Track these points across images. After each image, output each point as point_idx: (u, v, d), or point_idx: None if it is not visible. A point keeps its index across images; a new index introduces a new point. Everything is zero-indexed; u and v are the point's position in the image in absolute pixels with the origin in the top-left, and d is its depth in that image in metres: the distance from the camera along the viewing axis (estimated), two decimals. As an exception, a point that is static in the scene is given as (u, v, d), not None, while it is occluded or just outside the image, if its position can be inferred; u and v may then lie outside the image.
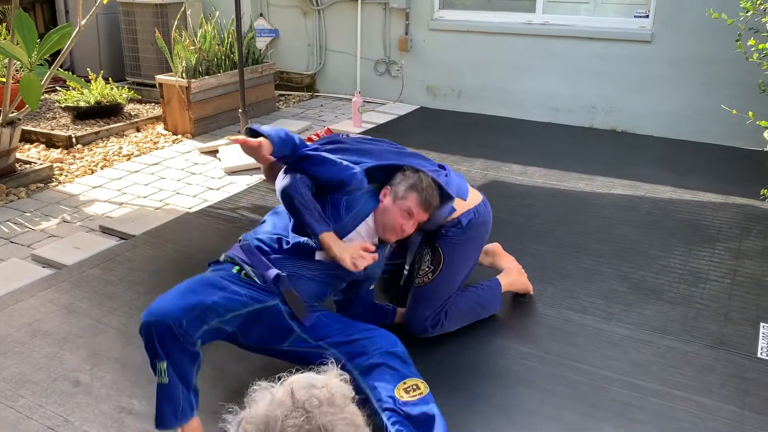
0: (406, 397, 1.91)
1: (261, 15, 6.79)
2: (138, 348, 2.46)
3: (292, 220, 2.22)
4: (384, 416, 1.90)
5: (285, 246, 2.17)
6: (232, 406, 1.00)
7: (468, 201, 2.53)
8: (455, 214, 2.48)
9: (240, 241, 2.24)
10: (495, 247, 2.93)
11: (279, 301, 2.07)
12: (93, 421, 2.11)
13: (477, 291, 2.64)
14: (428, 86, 6.23)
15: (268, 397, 0.95)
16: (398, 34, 6.20)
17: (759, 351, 2.48)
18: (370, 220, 2.24)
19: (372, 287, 2.49)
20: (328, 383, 0.98)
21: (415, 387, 1.95)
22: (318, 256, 2.16)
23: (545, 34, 5.57)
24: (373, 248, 2.19)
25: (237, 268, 2.10)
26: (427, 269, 2.50)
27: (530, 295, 2.88)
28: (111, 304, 2.80)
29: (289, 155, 2.18)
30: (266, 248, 2.16)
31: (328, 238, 2.11)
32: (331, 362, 1.06)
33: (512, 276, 2.80)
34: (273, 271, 2.06)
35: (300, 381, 0.98)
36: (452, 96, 6.14)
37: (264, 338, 2.10)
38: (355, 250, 2.13)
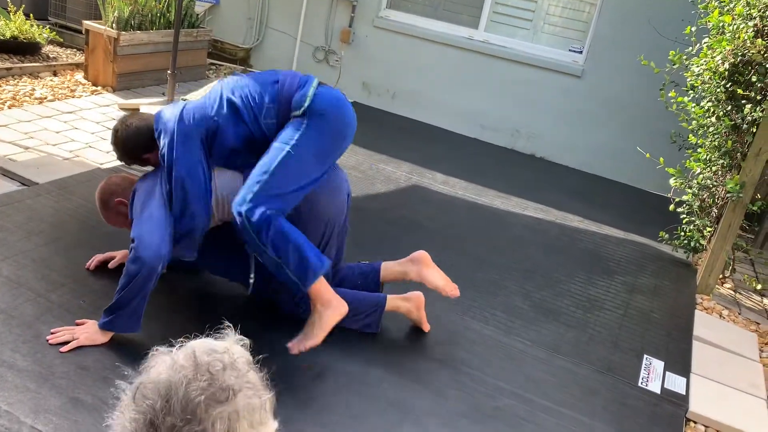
0: None
1: (204, -21, 6.57)
2: (27, 301, 2.33)
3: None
4: None
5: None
6: (125, 370, 0.95)
7: None
8: None
9: None
10: (422, 255, 2.65)
11: None
12: (-32, 371, 1.96)
13: (357, 296, 2.55)
14: (364, 82, 6.23)
15: (168, 361, 0.91)
16: (342, 25, 6.16)
17: (640, 380, 2.65)
18: None
19: None
20: (229, 349, 0.95)
21: None
22: None
23: (484, 51, 5.70)
24: None
25: None
26: None
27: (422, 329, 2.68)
28: (3, 252, 2.61)
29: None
30: None
31: None
32: (229, 327, 1.02)
33: (409, 303, 2.61)
34: None
35: (201, 345, 0.94)
36: (386, 96, 6.17)
37: None
38: None
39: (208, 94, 2.40)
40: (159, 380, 0.88)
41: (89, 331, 2.20)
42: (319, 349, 2.40)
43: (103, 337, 2.21)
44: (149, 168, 2.52)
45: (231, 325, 1.01)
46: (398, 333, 2.65)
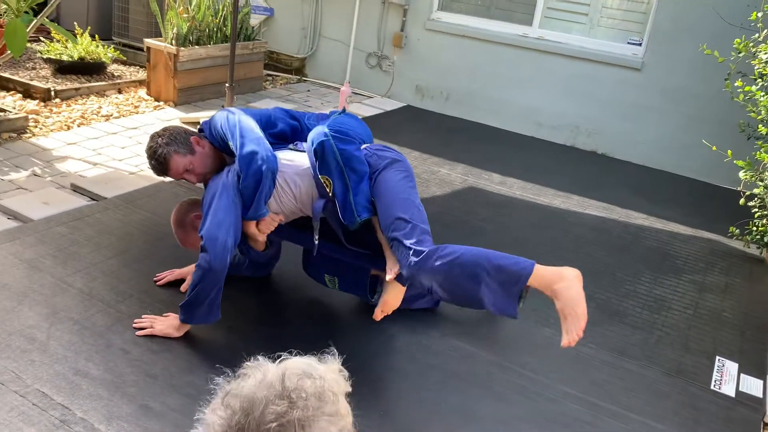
0: None
1: (258, -8, 6.71)
2: (99, 312, 2.42)
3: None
4: None
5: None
6: (227, 371, 0.98)
7: None
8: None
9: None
10: None
11: None
12: (46, 380, 2.06)
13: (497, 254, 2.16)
14: (417, 85, 6.23)
15: (259, 375, 0.92)
16: (394, 30, 6.18)
17: (713, 383, 2.54)
18: None
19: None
20: (323, 375, 0.95)
21: None
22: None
23: (539, 48, 5.61)
24: None
25: None
26: None
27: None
28: (75, 265, 2.73)
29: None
30: None
31: None
32: (334, 353, 1.02)
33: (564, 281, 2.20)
34: None
35: (296, 367, 0.94)
36: (440, 98, 6.15)
37: None
38: None
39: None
40: (245, 393, 0.90)
41: (165, 325, 2.38)
42: (379, 356, 2.41)
43: (176, 332, 2.36)
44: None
45: (336, 351, 1.02)
46: (458, 338, 2.63)
